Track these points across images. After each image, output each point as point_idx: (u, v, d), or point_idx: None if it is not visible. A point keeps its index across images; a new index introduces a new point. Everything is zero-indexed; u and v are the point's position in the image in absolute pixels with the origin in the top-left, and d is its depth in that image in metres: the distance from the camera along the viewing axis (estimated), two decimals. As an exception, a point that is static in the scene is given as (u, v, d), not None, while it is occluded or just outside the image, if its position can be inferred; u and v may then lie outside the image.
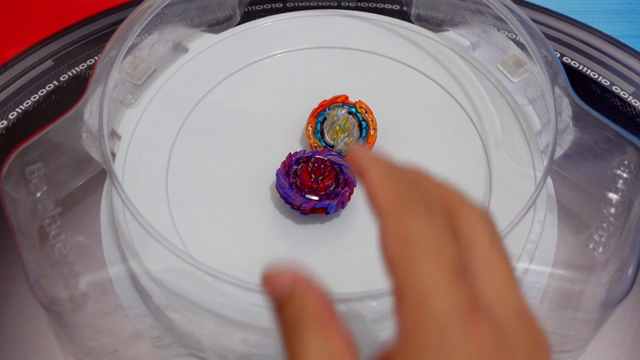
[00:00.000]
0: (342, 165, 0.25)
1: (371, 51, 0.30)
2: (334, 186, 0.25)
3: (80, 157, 0.26)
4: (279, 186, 0.25)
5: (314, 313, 0.15)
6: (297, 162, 0.26)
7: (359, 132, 0.26)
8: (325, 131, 0.26)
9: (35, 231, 0.23)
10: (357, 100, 0.27)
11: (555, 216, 0.26)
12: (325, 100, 0.27)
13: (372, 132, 0.26)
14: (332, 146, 0.26)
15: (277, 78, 0.29)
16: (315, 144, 0.26)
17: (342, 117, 0.26)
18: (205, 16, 0.31)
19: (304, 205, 0.25)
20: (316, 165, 0.25)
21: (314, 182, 0.25)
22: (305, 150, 0.26)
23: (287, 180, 0.25)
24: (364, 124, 0.26)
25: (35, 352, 0.25)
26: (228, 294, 0.23)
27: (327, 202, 0.25)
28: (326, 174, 0.25)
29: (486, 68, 0.29)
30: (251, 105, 0.29)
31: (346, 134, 0.26)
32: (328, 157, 0.25)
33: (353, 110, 0.27)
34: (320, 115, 0.27)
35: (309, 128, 0.26)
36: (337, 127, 0.26)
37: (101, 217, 0.26)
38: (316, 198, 0.25)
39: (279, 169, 0.25)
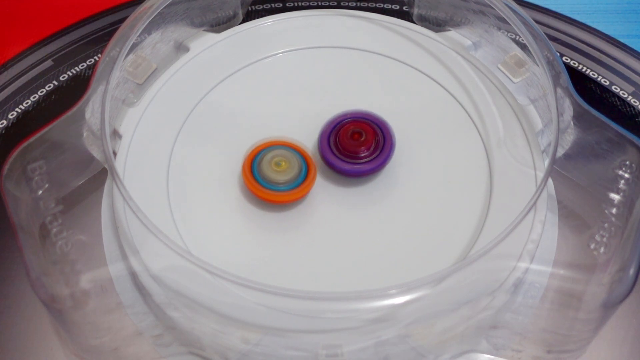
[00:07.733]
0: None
1: (372, 51, 0.30)
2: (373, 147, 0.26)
3: (81, 156, 0.26)
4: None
5: None
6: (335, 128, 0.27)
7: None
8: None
9: (36, 229, 0.23)
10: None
11: (556, 216, 0.26)
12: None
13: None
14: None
15: (278, 77, 0.29)
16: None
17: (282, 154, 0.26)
18: (207, 15, 0.31)
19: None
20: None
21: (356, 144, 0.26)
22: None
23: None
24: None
25: (36, 349, 0.26)
26: (229, 292, 0.23)
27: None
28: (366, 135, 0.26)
29: (487, 68, 0.29)
30: (252, 104, 0.29)
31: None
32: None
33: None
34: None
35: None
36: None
37: (102, 215, 0.26)
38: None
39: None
